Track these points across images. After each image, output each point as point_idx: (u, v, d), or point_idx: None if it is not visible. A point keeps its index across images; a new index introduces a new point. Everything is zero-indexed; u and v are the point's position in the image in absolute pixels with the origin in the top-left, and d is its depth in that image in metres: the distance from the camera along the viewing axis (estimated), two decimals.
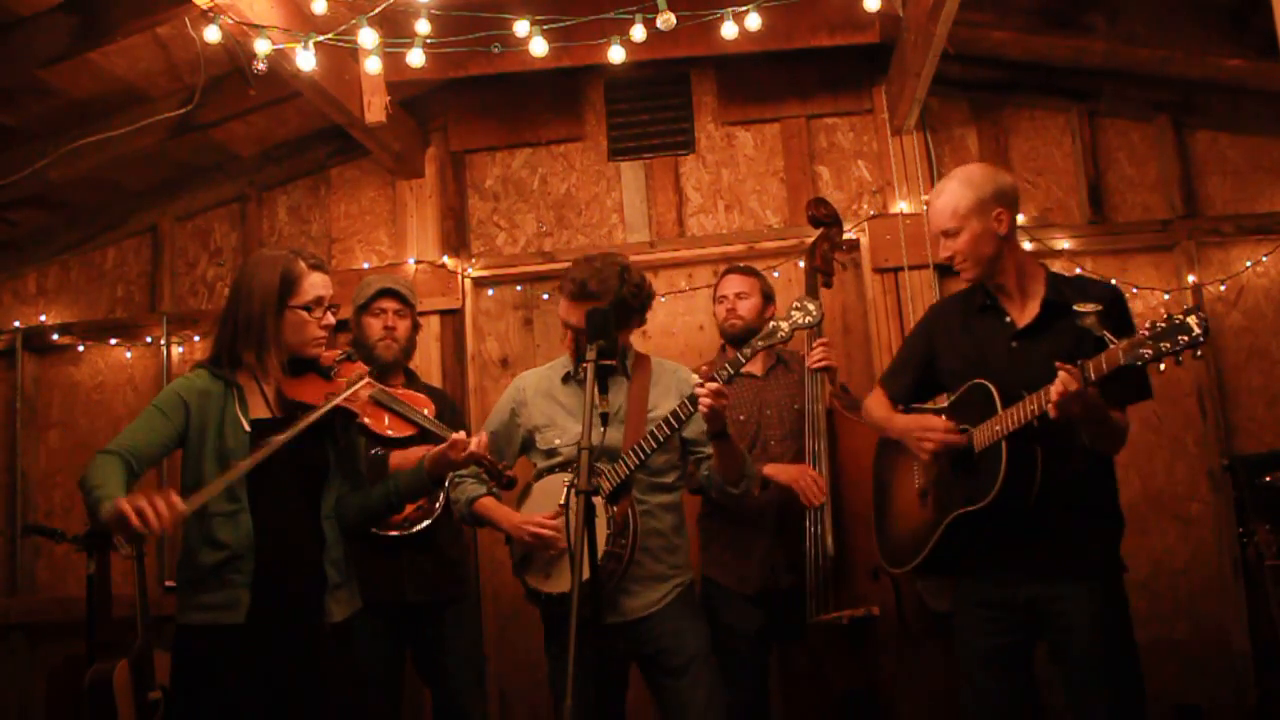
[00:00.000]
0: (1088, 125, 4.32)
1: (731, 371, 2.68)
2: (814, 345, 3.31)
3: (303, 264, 2.44)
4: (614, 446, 2.76)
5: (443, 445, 2.50)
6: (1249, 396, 4.13)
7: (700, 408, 2.59)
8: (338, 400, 2.43)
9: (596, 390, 2.25)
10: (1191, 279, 4.14)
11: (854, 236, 4.28)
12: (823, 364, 3.30)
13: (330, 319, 2.48)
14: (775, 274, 4.33)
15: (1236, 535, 3.93)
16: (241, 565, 2.29)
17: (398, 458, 2.95)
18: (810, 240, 3.62)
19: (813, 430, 3.24)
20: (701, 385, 2.58)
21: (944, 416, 2.51)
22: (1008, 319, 2.49)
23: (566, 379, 2.91)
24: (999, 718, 2.43)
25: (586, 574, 2.57)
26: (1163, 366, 1.99)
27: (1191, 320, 1.94)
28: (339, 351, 2.60)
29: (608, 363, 2.28)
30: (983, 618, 2.45)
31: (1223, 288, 4.18)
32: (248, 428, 2.37)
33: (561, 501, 2.67)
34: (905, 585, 3.07)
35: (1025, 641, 2.45)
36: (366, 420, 2.55)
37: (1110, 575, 2.41)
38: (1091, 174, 4.29)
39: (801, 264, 3.87)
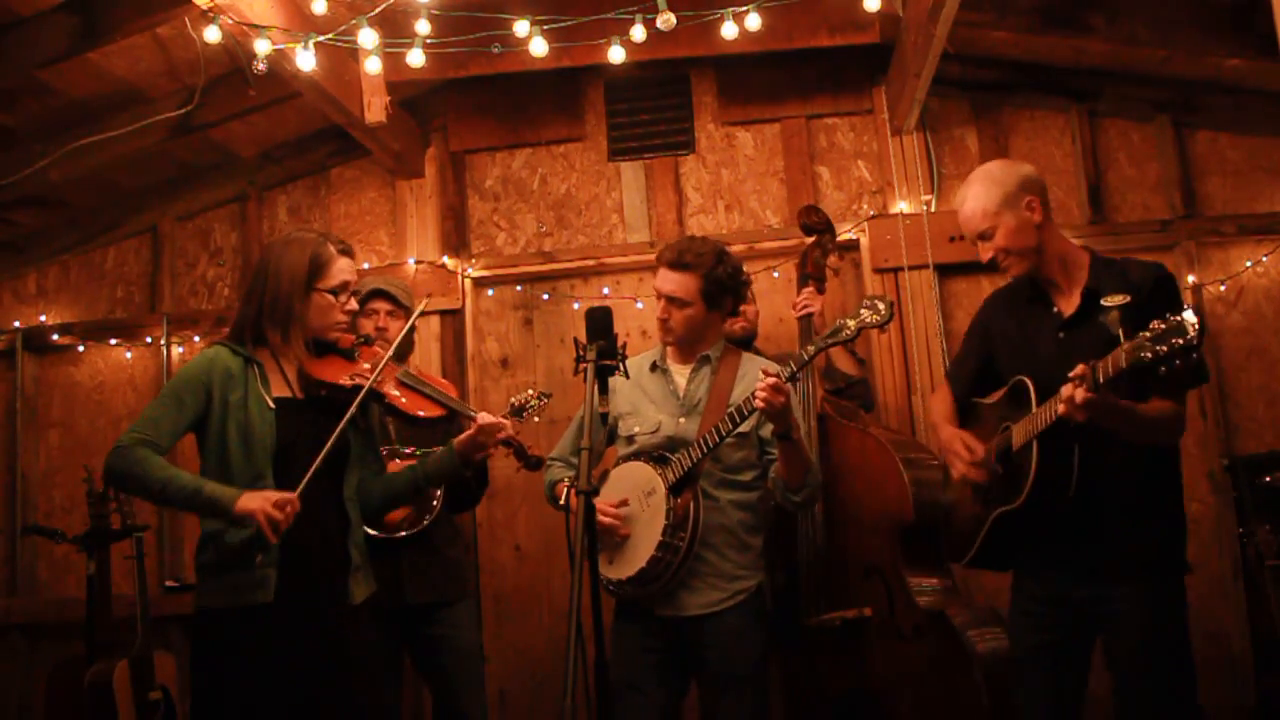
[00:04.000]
0: (1088, 125, 4.32)
1: (794, 369, 2.61)
2: (801, 292, 3.40)
3: (331, 248, 2.46)
4: (688, 437, 2.74)
5: (472, 429, 2.51)
6: (1249, 396, 4.13)
7: (756, 403, 2.53)
8: (373, 380, 2.44)
9: (597, 390, 2.24)
10: (1191, 279, 4.14)
11: (854, 237, 4.28)
12: (805, 310, 3.35)
13: (354, 304, 2.52)
14: (775, 274, 4.34)
15: (1236, 535, 3.93)
16: (268, 545, 2.28)
17: (393, 469, 2.94)
18: (804, 246, 3.62)
19: (804, 435, 3.24)
20: (763, 380, 2.52)
21: (995, 412, 2.47)
22: (1054, 309, 2.44)
23: (654, 367, 2.91)
24: (1047, 715, 2.40)
25: (631, 570, 2.63)
26: (1162, 369, 1.90)
27: (1187, 321, 1.86)
28: (356, 335, 2.61)
29: (608, 363, 2.27)
30: (1034, 614, 2.43)
31: (1223, 288, 4.18)
32: (272, 405, 2.37)
33: (648, 491, 2.68)
34: (896, 586, 3.07)
35: (1077, 639, 2.40)
36: (398, 403, 2.56)
37: (1166, 576, 2.33)
38: (1091, 174, 4.29)
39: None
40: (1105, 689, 2.42)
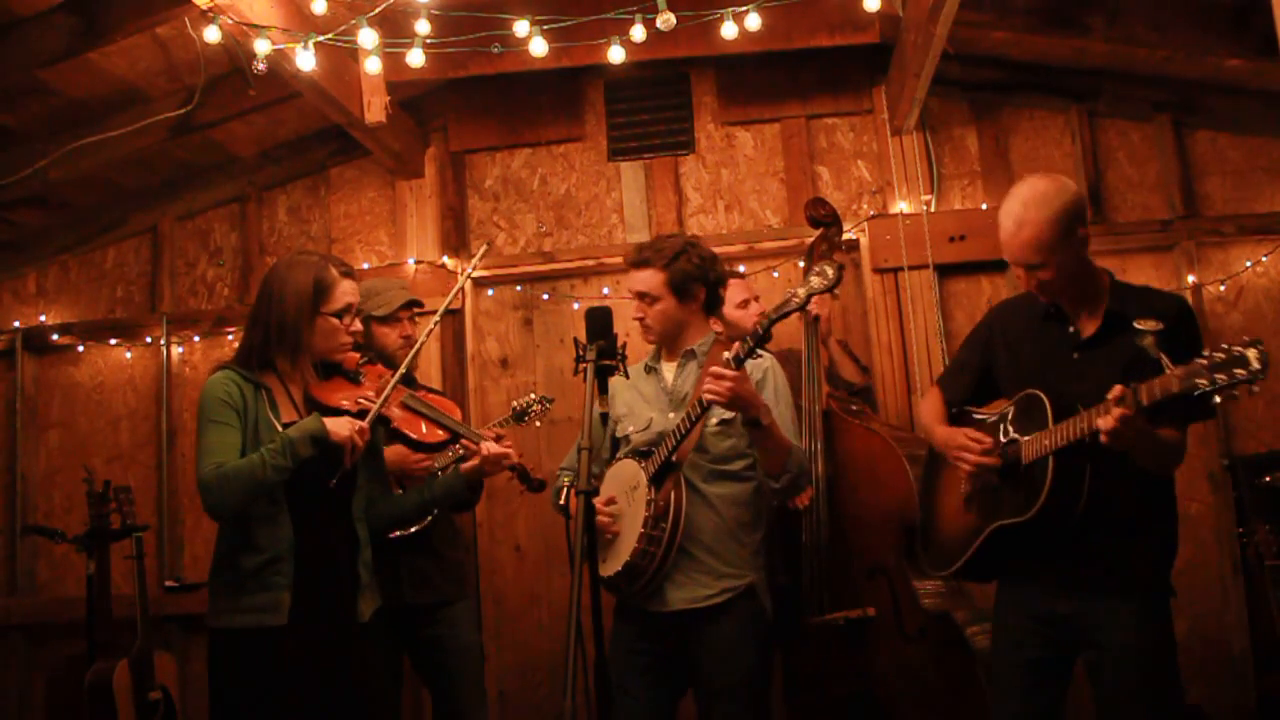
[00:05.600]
0: (1087, 125, 4.32)
1: (751, 344, 2.56)
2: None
3: (334, 271, 2.49)
4: (669, 431, 2.74)
5: (476, 460, 2.63)
6: (1249, 397, 4.07)
7: (706, 396, 2.51)
8: (379, 405, 2.48)
9: (596, 389, 2.24)
10: (1191, 279, 4.14)
11: (854, 237, 4.28)
12: (813, 312, 3.35)
13: (358, 325, 2.54)
14: (775, 274, 4.34)
15: (1236, 535, 3.93)
16: (282, 567, 2.33)
17: (391, 453, 2.95)
18: (809, 240, 3.63)
19: (809, 430, 3.25)
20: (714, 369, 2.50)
21: (997, 425, 2.44)
22: (1071, 329, 2.40)
23: (647, 369, 2.92)
24: None
25: (618, 564, 2.63)
26: (1218, 399, 1.89)
27: (1251, 354, 1.85)
28: (360, 355, 2.63)
29: (608, 363, 2.26)
30: (1023, 629, 2.41)
31: (1223, 288, 4.18)
32: (281, 430, 2.39)
33: (633, 485, 2.68)
34: (901, 586, 3.06)
35: (1063, 656, 2.39)
36: (403, 426, 2.58)
37: (1155, 596, 2.33)
38: (1091, 174, 4.29)
39: (801, 264, 3.88)
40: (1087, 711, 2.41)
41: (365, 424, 2.40)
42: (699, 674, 2.72)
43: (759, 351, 2.92)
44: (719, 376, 2.49)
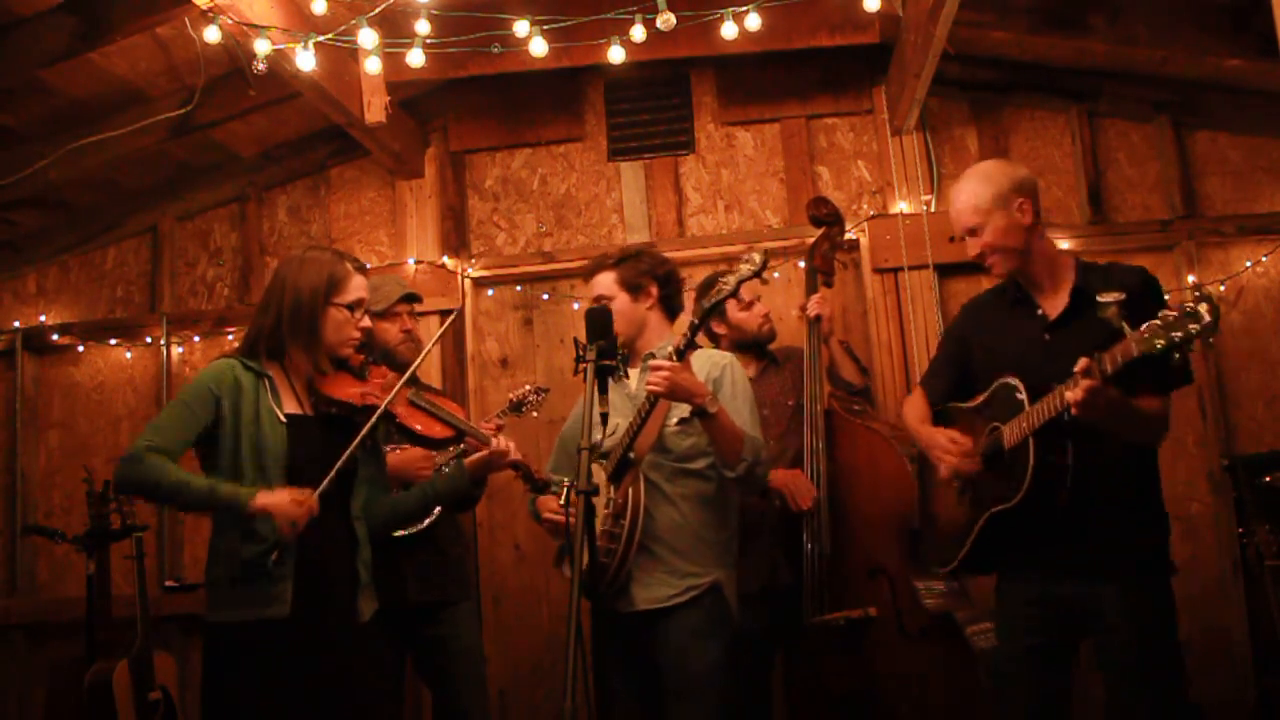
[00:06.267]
0: (1087, 125, 4.32)
1: (689, 336, 2.59)
2: (810, 299, 3.46)
3: (348, 265, 2.51)
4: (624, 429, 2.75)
5: (484, 452, 2.61)
6: (1249, 397, 4.14)
7: (647, 387, 2.55)
8: (388, 402, 2.47)
9: (597, 390, 2.24)
10: (1191, 279, 4.14)
11: (854, 237, 4.27)
12: (815, 312, 3.40)
13: (367, 322, 2.54)
14: (775, 274, 4.33)
15: (1236, 535, 3.93)
16: (282, 557, 2.30)
17: (395, 458, 2.95)
18: (811, 240, 3.63)
19: (812, 429, 3.25)
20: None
21: (976, 415, 2.46)
22: (1039, 312, 2.45)
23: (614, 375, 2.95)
24: (1035, 718, 2.39)
25: (582, 566, 2.60)
26: (1176, 356, 1.92)
27: (1202, 308, 1.88)
28: (367, 354, 2.64)
29: (608, 363, 2.27)
30: (1026, 616, 2.41)
31: (1223, 288, 4.18)
32: (283, 420, 2.38)
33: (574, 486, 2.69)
34: (902, 586, 3.07)
35: (1067, 641, 2.40)
36: (408, 422, 2.58)
37: (1154, 574, 2.35)
38: (1091, 174, 4.29)
39: (802, 264, 3.88)
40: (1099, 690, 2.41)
41: (313, 500, 2.29)
42: (660, 674, 2.68)
43: (766, 352, 2.91)
44: (657, 368, 2.54)
